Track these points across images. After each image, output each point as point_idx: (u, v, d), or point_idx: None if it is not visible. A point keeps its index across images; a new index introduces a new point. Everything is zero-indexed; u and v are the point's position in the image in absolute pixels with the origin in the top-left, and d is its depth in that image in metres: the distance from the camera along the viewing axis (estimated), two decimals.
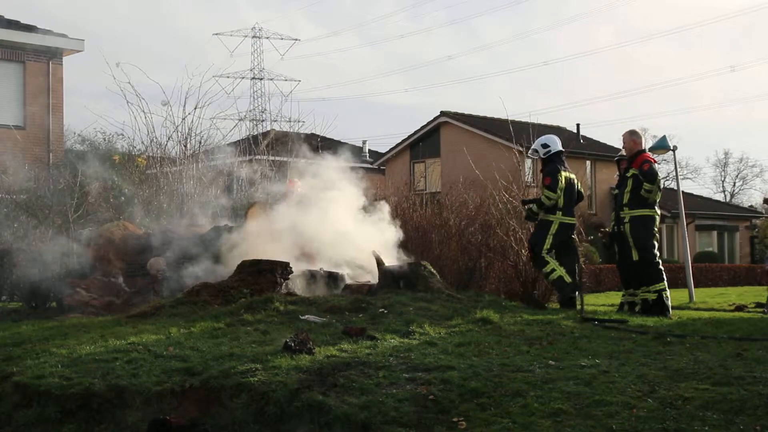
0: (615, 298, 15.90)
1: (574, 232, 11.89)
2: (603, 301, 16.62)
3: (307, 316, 9.02)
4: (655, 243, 11.12)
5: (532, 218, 11.91)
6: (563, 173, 11.56)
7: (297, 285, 10.88)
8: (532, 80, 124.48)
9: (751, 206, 60.02)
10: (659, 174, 11.20)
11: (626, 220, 11.01)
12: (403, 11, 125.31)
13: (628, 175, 11.11)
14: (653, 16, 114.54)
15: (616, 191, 11.75)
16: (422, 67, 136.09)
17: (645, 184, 10.84)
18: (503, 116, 21.32)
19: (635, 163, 11.04)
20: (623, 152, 12.03)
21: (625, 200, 11.06)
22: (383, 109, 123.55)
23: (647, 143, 11.58)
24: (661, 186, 11.17)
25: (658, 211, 11.18)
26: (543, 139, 12.07)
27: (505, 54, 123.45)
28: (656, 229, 11.15)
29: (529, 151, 12.21)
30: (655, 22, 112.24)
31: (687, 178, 74.56)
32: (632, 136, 11.25)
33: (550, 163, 11.78)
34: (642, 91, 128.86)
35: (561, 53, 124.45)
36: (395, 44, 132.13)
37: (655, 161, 11.29)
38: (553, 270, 11.36)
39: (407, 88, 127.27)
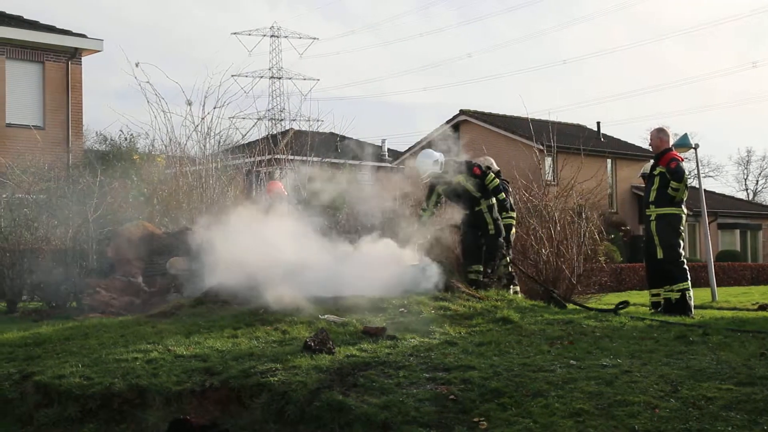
0: (636, 297, 15.80)
1: None
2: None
3: (326, 316, 8.99)
4: (681, 242, 10.97)
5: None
6: None
7: None
8: (550, 78, 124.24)
9: None
10: (686, 172, 11.03)
11: (652, 218, 10.89)
12: (417, 11, 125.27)
13: (655, 173, 10.97)
14: (673, 13, 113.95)
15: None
16: (440, 65, 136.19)
17: (672, 182, 10.69)
18: (523, 114, 21.30)
19: (662, 161, 10.90)
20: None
21: (652, 198, 10.93)
22: (402, 107, 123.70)
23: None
24: (688, 184, 11.02)
25: (685, 210, 11.04)
26: (437, 156, 11.70)
27: (522, 53, 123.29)
28: (682, 227, 11.01)
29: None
30: (675, 18, 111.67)
31: (709, 177, 74.12)
32: (660, 134, 11.12)
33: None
34: (663, 88, 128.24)
35: (580, 52, 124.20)
36: (412, 43, 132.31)
37: (682, 159, 11.12)
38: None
39: (426, 87, 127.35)
